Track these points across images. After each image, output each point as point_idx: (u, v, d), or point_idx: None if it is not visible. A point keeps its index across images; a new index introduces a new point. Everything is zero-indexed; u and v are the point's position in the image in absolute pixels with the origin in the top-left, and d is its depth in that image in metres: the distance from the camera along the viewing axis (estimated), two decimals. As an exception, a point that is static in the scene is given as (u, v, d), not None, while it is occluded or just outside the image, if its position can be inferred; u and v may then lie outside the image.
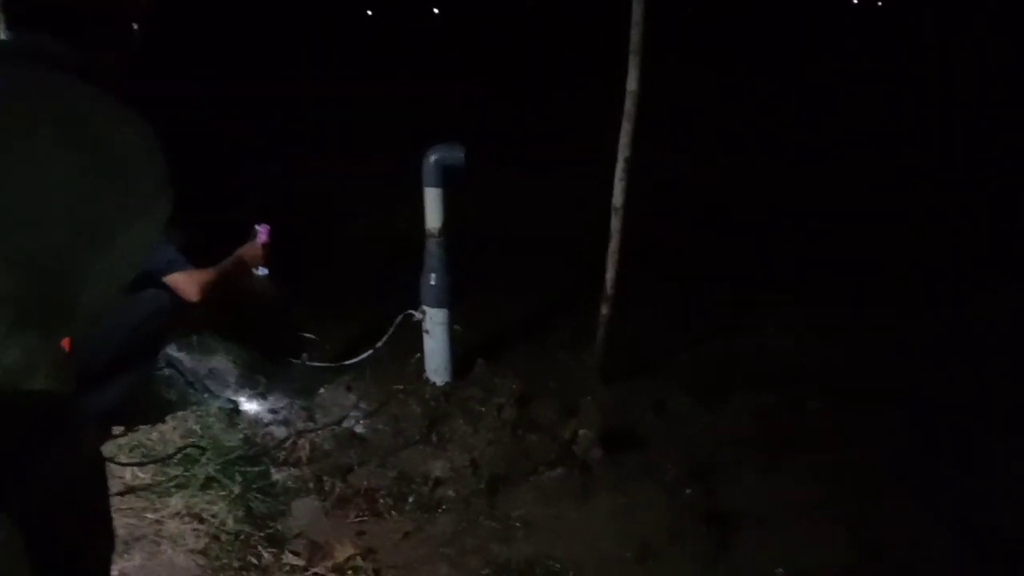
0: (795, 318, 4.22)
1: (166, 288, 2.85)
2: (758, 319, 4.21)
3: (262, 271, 3.10)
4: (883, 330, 4.12)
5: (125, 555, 2.21)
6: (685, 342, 3.99)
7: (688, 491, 2.85)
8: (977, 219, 4.92)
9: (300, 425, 3.18)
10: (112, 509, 2.38)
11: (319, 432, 3.14)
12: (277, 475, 2.86)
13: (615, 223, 3.36)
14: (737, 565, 2.55)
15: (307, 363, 3.63)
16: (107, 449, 2.66)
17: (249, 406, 3.25)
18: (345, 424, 3.22)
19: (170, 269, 2.84)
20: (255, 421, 3.12)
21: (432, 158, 3.27)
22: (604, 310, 3.41)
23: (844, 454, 3.13)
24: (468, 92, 10.08)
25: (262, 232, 3.09)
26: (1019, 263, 4.44)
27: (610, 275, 3.38)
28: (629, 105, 3.23)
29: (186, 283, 2.85)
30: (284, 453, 3.00)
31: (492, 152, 4.64)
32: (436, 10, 28.71)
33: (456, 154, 3.26)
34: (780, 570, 2.51)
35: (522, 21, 21.89)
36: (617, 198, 3.32)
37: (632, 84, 3.20)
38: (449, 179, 3.31)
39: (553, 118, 8.41)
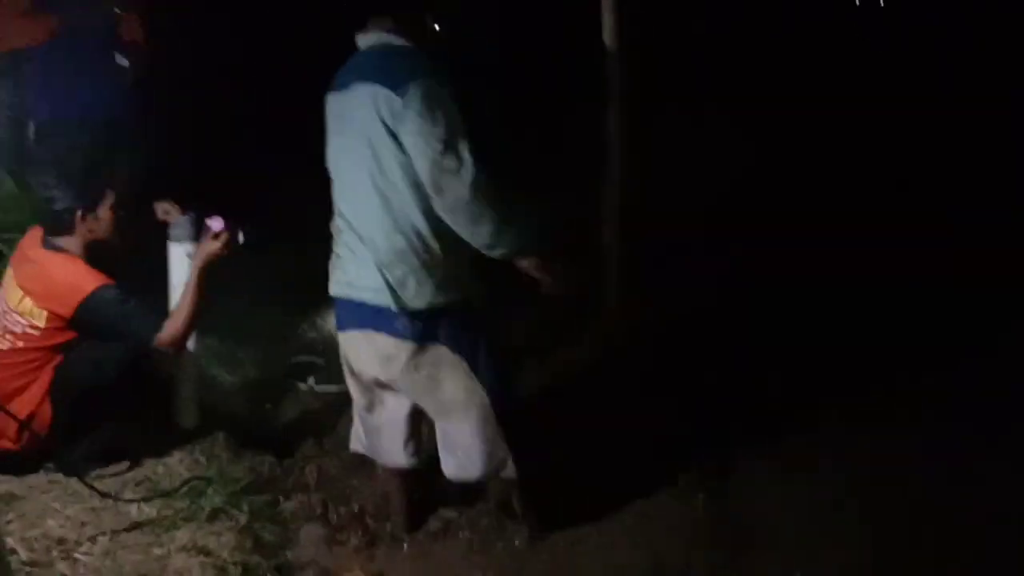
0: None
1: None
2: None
3: (241, 239, 2.86)
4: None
5: (131, 594, 2.19)
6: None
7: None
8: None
9: (307, 451, 3.15)
10: (117, 547, 2.37)
11: (326, 458, 3.11)
12: (285, 503, 2.83)
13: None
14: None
15: (314, 387, 3.60)
16: (112, 485, 2.64)
17: (255, 434, 3.22)
18: (352, 448, 3.19)
19: (152, 336, 2.75)
20: (261, 449, 3.08)
21: None
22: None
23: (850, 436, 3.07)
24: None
25: (214, 224, 2.81)
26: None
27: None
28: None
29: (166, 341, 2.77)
30: (292, 480, 2.97)
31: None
32: None
33: None
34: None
35: None
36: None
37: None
38: None
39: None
